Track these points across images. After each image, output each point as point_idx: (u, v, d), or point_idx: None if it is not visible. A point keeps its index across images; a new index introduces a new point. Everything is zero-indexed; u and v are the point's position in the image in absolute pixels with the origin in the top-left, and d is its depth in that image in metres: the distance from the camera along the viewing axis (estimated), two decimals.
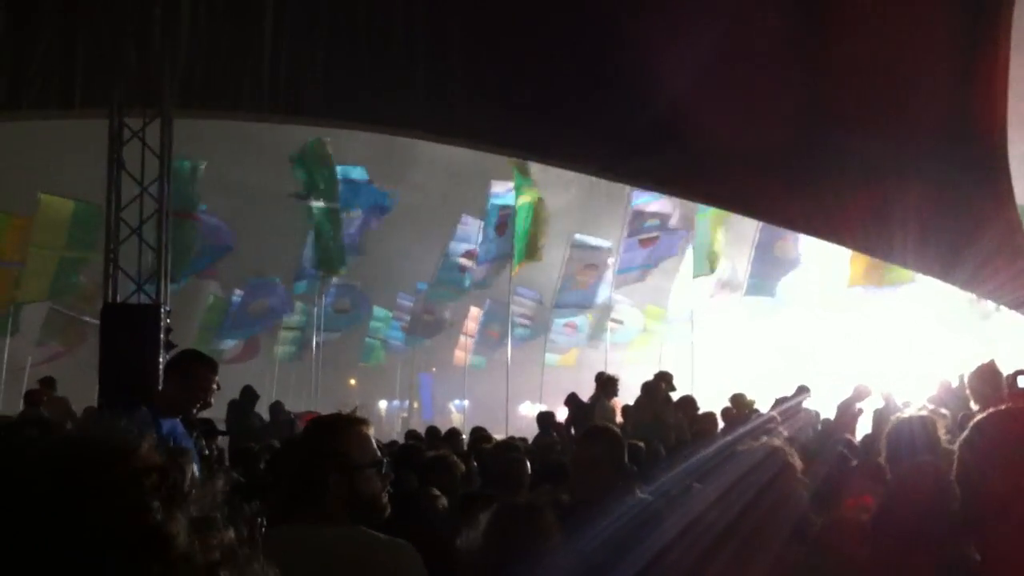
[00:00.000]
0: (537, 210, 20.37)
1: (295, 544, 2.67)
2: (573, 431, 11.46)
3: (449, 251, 24.71)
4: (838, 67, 8.52)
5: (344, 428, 2.87)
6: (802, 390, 12.93)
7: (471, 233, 24.55)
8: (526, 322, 27.40)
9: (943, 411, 4.98)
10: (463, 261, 24.65)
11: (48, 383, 14.18)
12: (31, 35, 9.82)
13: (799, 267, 20.68)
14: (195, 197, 18.13)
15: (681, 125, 9.45)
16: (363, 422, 2.92)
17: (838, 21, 8.31)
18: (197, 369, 5.28)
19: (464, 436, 11.84)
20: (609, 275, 23.47)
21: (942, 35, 7.98)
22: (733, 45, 8.74)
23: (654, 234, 21.50)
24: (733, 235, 21.02)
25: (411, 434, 12.36)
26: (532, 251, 20.65)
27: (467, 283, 24.98)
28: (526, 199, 20.26)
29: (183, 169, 17.29)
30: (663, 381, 11.63)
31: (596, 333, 28.43)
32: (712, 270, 21.05)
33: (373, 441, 2.90)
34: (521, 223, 20.30)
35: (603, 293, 24.47)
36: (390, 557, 2.79)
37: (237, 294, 26.87)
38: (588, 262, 23.95)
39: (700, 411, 11.80)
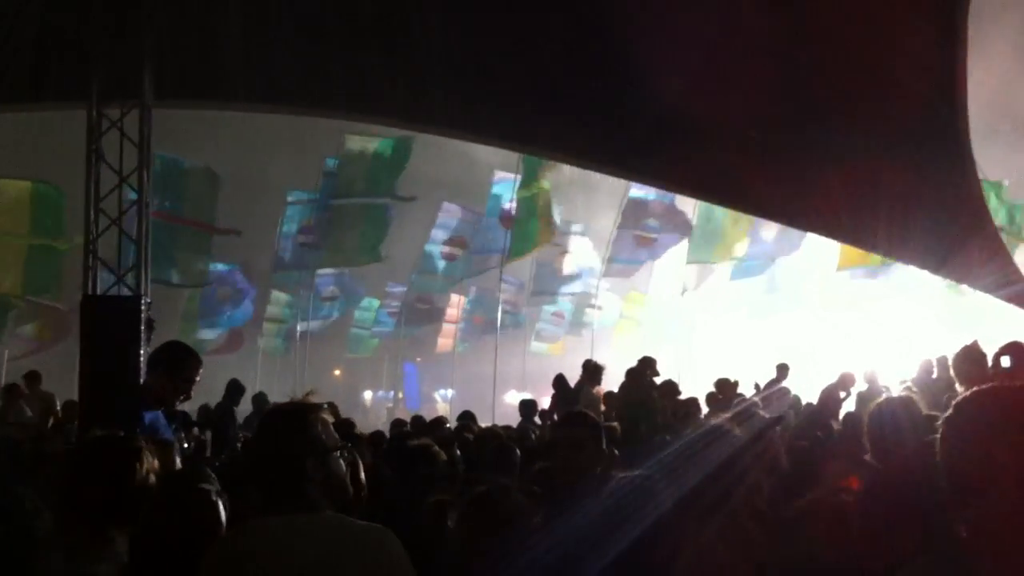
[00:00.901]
0: (539, 200, 20.19)
1: (286, 533, 2.72)
2: (556, 416, 11.53)
3: (431, 238, 24.58)
4: (815, 54, 8.52)
5: (310, 413, 2.90)
6: (782, 369, 13.02)
7: (451, 220, 24.43)
8: (508, 308, 27.45)
9: (915, 391, 5.03)
10: (445, 248, 24.54)
11: (33, 377, 14.10)
12: (5, 26, 9.71)
13: (797, 251, 20.64)
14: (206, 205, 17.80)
15: (663, 115, 9.45)
16: (322, 407, 2.98)
17: (814, 10, 8.32)
18: (183, 362, 5.29)
19: (450, 425, 11.86)
20: (586, 260, 23.49)
21: (923, 14, 7.99)
22: (711, 34, 8.73)
23: (653, 235, 21.46)
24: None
25: (397, 423, 12.35)
26: (543, 238, 20.55)
27: (456, 271, 24.88)
28: (528, 192, 20.11)
29: (173, 168, 17.17)
30: (647, 367, 11.69)
31: (577, 319, 28.55)
32: (715, 260, 20.95)
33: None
34: (521, 217, 20.20)
35: (582, 280, 24.49)
36: (374, 542, 2.82)
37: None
38: (565, 249, 24.00)
39: (682, 396, 11.87)
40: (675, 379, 12.51)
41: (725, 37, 8.67)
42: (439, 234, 24.52)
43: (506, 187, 21.67)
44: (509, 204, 21.33)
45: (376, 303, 30.76)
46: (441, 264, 25.02)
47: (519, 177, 20.04)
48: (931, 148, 8.42)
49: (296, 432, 2.86)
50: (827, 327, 23.45)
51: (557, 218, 21.83)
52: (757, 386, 12.75)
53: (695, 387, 13.88)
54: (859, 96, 8.60)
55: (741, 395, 11.72)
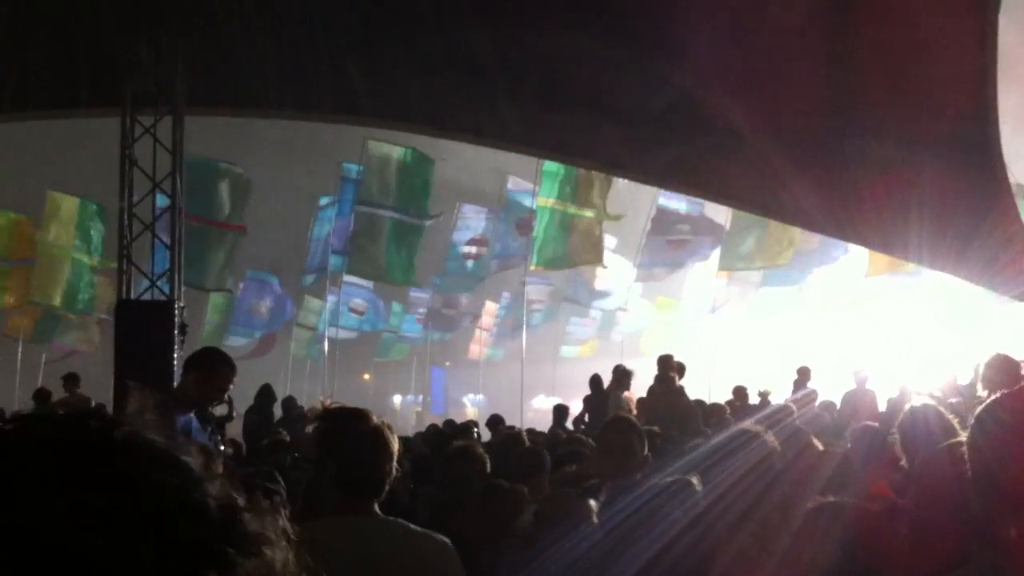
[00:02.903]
0: (582, 222, 19.94)
1: (349, 535, 2.81)
2: (587, 418, 11.50)
3: (452, 241, 24.51)
4: (859, 56, 8.46)
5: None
6: (803, 372, 12.94)
7: (473, 223, 24.40)
8: (539, 307, 27.39)
9: (950, 400, 4.99)
10: (468, 249, 24.50)
11: (72, 379, 14.26)
12: (40, 34, 9.83)
13: (837, 260, 20.37)
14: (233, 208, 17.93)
15: (695, 120, 9.41)
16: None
17: (853, 20, 8.27)
18: (219, 368, 5.35)
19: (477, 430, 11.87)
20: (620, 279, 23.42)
21: (962, 22, 7.93)
22: (752, 44, 8.70)
23: (687, 238, 21.30)
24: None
25: (432, 428, 12.33)
26: (588, 258, 20.40)
27: (481, 273, 24.85)
28: (549, 203, 19.95)
29: (205, 170, 17.32)
30: (676, 370, 11.57)
31: (606, 324, 28.48)
32: (755, 267, 20.69)
33: None
34: (543, 227, 20.08)
35: (616, 299, 24.46)
36: (432, 550, 2.92)
37: (240, 288, 26.84)
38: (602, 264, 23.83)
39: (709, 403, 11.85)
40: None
41: (766, 47, 8.63)
42: (460, 236, 24.42)
43: (523, 196, 21.61)
44: (527, 215, 21.25)
45: (401, 307, 30.85)
46: (468, 264, 24.97)
47: (538, 188, 19.93)
48: (963, 155, 8.34)
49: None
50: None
51: (608, 244, 21.63)
52: (762, 393, 12.70)
53: (699, 390, 13.81)
54: (894, 105, 8.54)
55: (769, 403, 11.65)
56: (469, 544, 3.54)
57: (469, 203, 24.53)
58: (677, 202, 20.56)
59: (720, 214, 20.20)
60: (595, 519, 3.42)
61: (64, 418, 0.74)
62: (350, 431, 2.92)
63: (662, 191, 20.08)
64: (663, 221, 21.03)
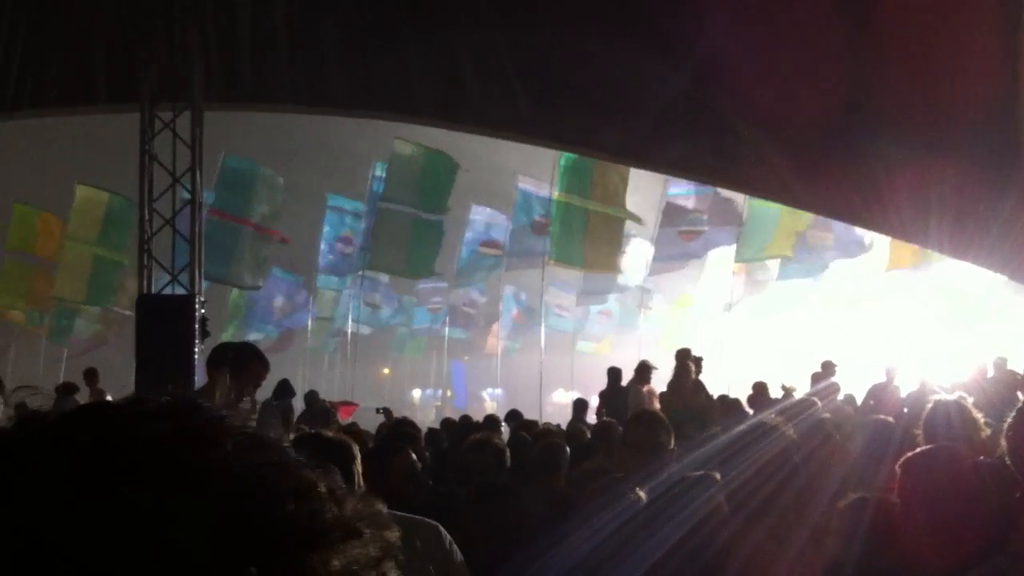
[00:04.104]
0: (589, 219, 19.89)
1: None
2: (605, 412, 11.47)
3: (465, 241, 24.42)
4: (883, 44, 8.40)
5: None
6: (827, 366, 12.86)
7: (484, 222, 24.37)
8: (564, 314, 27.39)
9: (969, 397, 4.95)
10: (484, 250, 24.46)
11: (92, 374, 14.38)
12: (57, 30, 9.88)
13: (851, 257, 20.23)
14: (261, 207, 18.06)
15: (714, 108, 9.37)
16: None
17: (878, 8, 8.22)
18: (253, 365, 5.37)
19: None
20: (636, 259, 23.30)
21: (988, 11, 7.86)
22: (772, 23, 8.65)
23: (700, 228, 21.20)
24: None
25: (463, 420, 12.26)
26: (607, 263, 20.38)
27: (500, 266, 24.84)
28: (565, 198, 19.86)
29: (249, 173, 17.53)
30: (694, 364, 11.54)
31: (626, 320, 28.42)
32: (766, 256, 20.53)
33: None
34: (559, 222, 20.02)
35: (633, 278, 24.28)
36: (424, 535, 3.01)
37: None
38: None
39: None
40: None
41: (788, 36, 8.58)
42: (472, 235, 24.40)
43: (535, 198, 21.58)
44: (540, 217, 21.21)
45: (411, 301, 30.85)
46: (481, 261, 24.96)
47: (555, 185, 19.88)
48: (998, 141, 8.24)
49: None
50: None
51: (627, 244, 21.56)
52: (786, 388, 12.64)
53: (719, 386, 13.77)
54: (921, 92, 8.47)
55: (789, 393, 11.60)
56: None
57: (479, 204, 24.51)
58: (685, 196, 20.52)
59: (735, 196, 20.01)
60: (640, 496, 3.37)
61: (171, 406, 0.74)
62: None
63: (671, 183, 20.05)
64: (673, 214, 20.98)
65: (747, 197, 18.61)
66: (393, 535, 0.72)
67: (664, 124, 9.98)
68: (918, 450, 3.38)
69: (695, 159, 10.61)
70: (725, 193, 20.02)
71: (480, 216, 24.29)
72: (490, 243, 24.28)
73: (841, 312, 23.54)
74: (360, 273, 23.31)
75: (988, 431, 4.29)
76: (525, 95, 10.34)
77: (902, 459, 3.14)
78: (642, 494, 3.35)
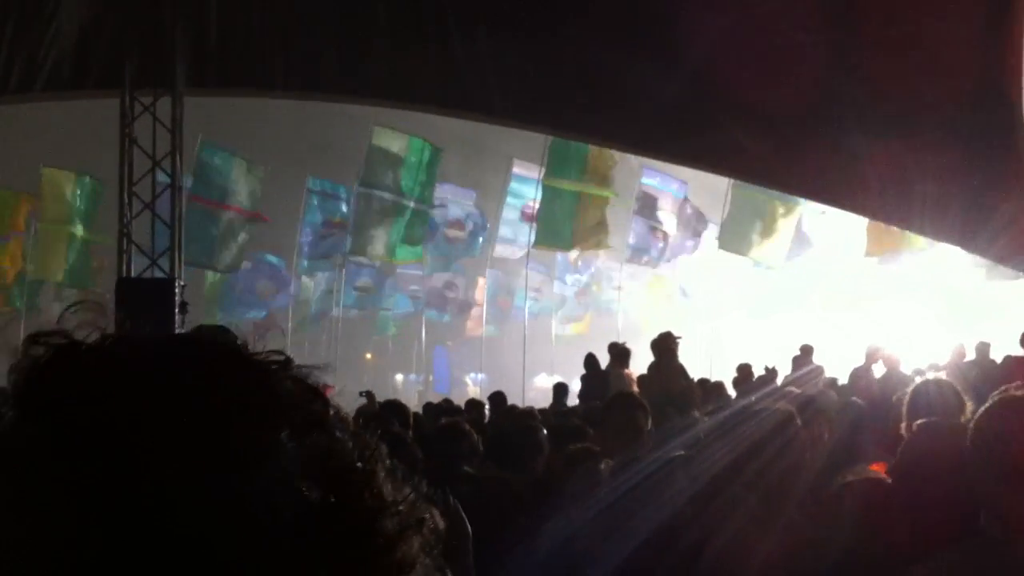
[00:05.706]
0: (590, 203, 19.83)
1: None
2: (588, 396, 11.44)
3: (432, 222, 24.20)
4: (864, 27, 8.41)
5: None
6: (807, 350, 12.91)
7: (453, 204, 24.21)
8: (535, 295, 27.36)
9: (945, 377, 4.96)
10: (451, 232, 24.31)
11: None
12: (43, 16, 9.78)
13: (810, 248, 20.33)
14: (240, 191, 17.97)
15: (698, 92, 9.37)
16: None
17: None
18: None
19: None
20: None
21: None
22: (760, 13, 8.64)
23: (668, 231, 21.32)
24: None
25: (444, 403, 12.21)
26: (593, 243, 20.40)
27: (468, 253, 24.78)
28: (555, 182, 19.80)
29: (225, 162, 17.47)
30: (674, 346, 11.48)
31: (600, 301, 28.55)
32: (745, 253, 20.48)
33: None
34: (548, 207, 19.97)
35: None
36: None
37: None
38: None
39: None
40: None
41: (773, 15, 8.58)
42: (442, 214, 24.09)
43: (527, 183, 21.50)
44: (532, 202, 21.12)
45: (392, 282, 30.71)
46: (451, 249, 24.86)
47: (543, 170, 19.87)
48: (979, 124, 8.25)
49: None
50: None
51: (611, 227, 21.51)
52: (768, 370, 12.67)
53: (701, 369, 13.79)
54: (906, 73, 8.48)
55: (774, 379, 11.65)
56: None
57: (464, 186, 24.37)
58: (657, 189, 20.63)
59: (714, 200, 20.11)
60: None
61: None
62: None
63: (646, 171, 20.15)
64: (646, 203, 21.04)
65: (730, 185, 18.66)
66: (437, 520, 0.71)
67: (651, 110, 9.98)
68: (921, 422, 3.40)
69: (683, 144, 10.61)
70: (695, 203, 20.31)
71: (446, 195, 23.96)
72: (455, 223, 24.09)
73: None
74: (344, 255, 23.22)
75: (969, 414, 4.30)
76: (514, 82, 10.31)
77: (915, 427, 3.16)
78: (623, 475, 3.36)
